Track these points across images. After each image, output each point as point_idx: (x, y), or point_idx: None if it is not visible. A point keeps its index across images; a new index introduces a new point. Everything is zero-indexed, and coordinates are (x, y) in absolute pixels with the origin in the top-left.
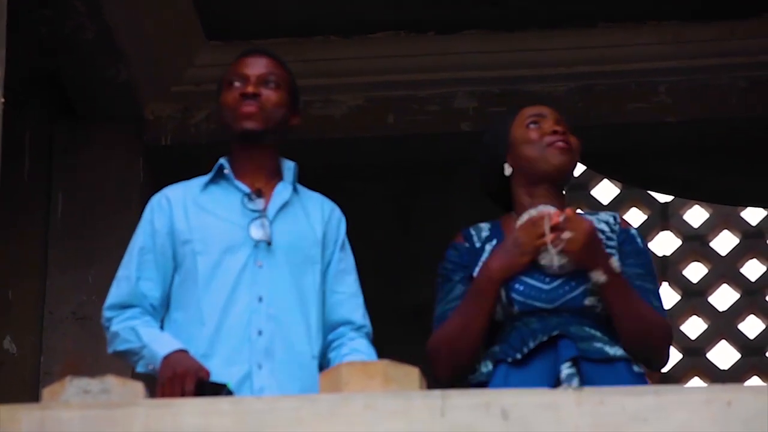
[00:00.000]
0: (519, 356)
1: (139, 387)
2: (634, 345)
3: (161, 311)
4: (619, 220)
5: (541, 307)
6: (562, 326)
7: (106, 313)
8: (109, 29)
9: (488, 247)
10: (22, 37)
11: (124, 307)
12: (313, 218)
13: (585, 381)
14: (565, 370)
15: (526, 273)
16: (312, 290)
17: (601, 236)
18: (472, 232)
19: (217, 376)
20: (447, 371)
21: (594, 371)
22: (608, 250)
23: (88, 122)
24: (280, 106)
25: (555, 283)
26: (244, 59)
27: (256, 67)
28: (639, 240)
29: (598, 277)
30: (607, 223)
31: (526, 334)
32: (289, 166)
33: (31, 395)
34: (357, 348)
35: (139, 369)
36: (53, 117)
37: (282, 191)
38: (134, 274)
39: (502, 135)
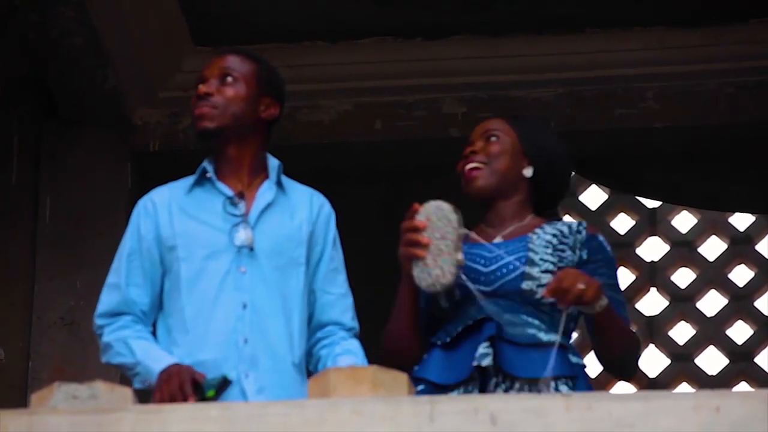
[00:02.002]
0: (448, 339)
1: (127, 393)
2: (613, 361)
3: (152, 315)
4: (584, 227)
5: (480, 289)
6: (497, 313)
7: (98, 321)
8: (97, 34)
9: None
10: (9, 42)
11: (114, 314)
12: (299, 217)
13: (505, 363)
14: (481, 349)
15: (468, 257)
16: (296, 294)
17: (548, 244)
18: None
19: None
20: (396, 361)
21: (517, 355)
22: (559, 254)
23: (76, 128)
24: (236, 100)
25: (493, 266)
26: (209, 62)
27: (215, 66)
28: (608, 248)
29: (589, 311)
30: (561, 232)
31: (460, 320)
32: (273, 165)
33: (19, 401)
34: (350, 349)
35: (136, 385)
36: (41, 122)
37: (265, 192)
38: (123, 281)
39: None
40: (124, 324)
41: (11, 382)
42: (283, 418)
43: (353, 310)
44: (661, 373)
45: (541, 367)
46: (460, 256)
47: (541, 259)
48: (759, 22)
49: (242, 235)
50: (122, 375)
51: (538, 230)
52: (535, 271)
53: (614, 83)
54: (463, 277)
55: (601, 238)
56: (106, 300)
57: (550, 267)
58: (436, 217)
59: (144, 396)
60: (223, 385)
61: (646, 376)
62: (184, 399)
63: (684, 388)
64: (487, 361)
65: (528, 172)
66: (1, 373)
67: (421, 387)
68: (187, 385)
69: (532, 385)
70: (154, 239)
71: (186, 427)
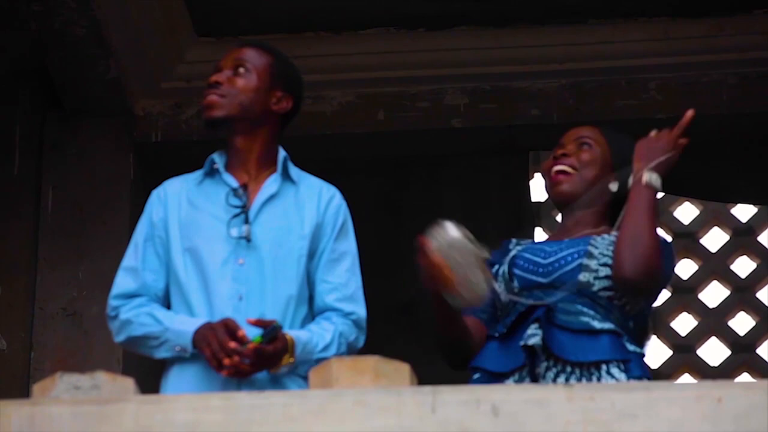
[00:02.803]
0: (504, 330)
1: (129, 383)
2: (626, 255)
3: (165, 301)
4: None
5: (538, 281)
6: (553, 302)
7: (113, 302)
8: (99, 25)
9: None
10: (11, 32)
11: (130, 296)
12: (306, 209)
13: (555, 347)
14: (530, 330)
15: (526, 249)
16: (293, 287)
17: (611, 243)
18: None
19: (210, 371)
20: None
21: (569, 339)
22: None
23: (79, 118)
24: (246, 91)
25: (551, 258)
26: (226, 52)
27: (229, 57)
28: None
29: (611, 186)
30: None
31: (514, 310)
32: (280, 157)
33: (21, 391)
34: (310, 327)
35: (161, 354)
36: (43, 113)
37: (270, 184)
38: (139, 264)
39: None
40: (141, 303)
41: (13, 372)
42: (285, 408)
43: (357, 297)
44: (663, 364)
45: (592, 352)
46: (488, 273)
47: (601, 254)
48: (763, 13)
49: (240, 227)
50: (124, 366)
51: (605, 234)
52: (593, 264)
53: (617, 74)
54: (498, 287)
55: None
56: (122, 282)
57: (609, 261)
58: (454, 251)
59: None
60: (272, 332)
61: (649, 367)
62: (227, 354)
63: (686, 379)
64: (534, 340)
65: (614, 186)
66: (4, 363)
67: (477, 375)
68: (225, 339)
69: (583, 369)
70: (163, 228)
71: (188, 417)
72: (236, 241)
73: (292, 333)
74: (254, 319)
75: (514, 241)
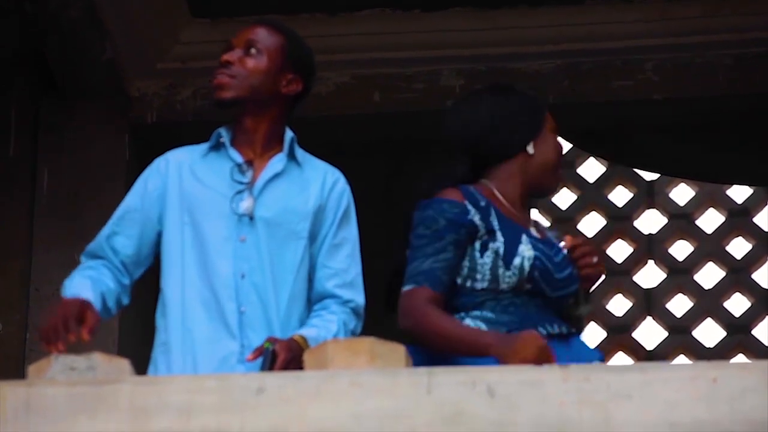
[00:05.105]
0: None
1: (125, 364)
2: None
3: (132, 270)
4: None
5: (545, 293)
6: (541, 310)
7: (81, 259)
8: (95, 6)
9: (492, 220)
10: (6, 14)
11: (94, 257)
12: (310, 191)
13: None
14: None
15: (541, 254)
16: (291, 267)
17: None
18: (472, 191)
19: (209, 348)
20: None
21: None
22: None
23: (74, 100)
24: (256, 73)
25: (562, 275)
26: (239, 30)
27: (242, 36)
28: None
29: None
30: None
31: (532, 317)
32: (287, 138)
33: (17, 372)
34: (315, 324)
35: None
36: (39, 95)
37: (276, 163)
38: (111, 229)
39: (537, 119)
40: (91, 265)
41: (9, 353)
42: (280, 390)
43: (355, 283)
44: (658, 345)
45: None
46: None
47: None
48: None
49: (244, 204)
50: (120, 347)
51: (549, 235)
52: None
53: (613, 55)
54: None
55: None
56: (92, 242)
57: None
58: None
59: (136, 357)
60: (268, 357)
61: (644, 348)
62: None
63: (682, 360)
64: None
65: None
66: None
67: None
68: (70, 322)
69: None
70: (158, 197)
71: (183, 398)
72: (238, 218)
73: (302, 332)
74: (251, 356)
75: (474, 194)
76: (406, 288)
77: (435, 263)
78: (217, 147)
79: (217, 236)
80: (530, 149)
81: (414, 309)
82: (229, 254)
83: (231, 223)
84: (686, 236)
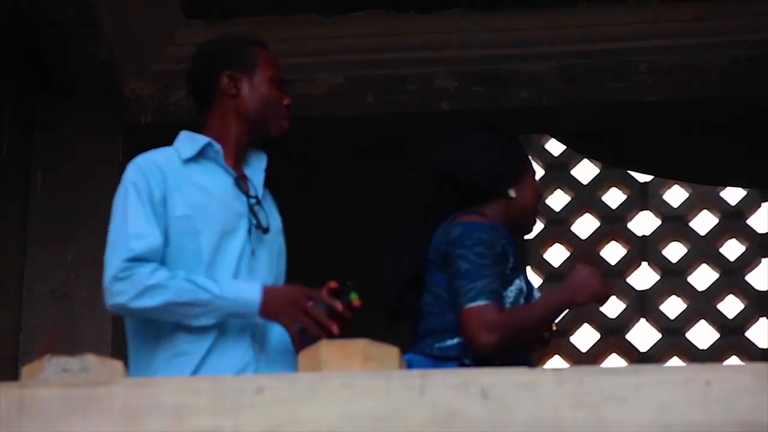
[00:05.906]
0: None
1: (118, 365)
2: None
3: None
4: None
5: None
6: None
7: (123, 265)
8: (90, 6)
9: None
10: (1, 13)
11: (142, 260)
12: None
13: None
14: None
15: (527, 283)
16: (280, 281)
17: None
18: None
19: (224, 358)
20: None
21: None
22: None
23: (68, 99)
24: None
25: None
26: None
27: (280, 69)
28: None
29: None
30: None
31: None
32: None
33: (10, 373)
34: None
35: (201, 322)
36: (33, 94)
37: (259, 179)
38: (151, 229)
39: (520, 166)
40: (156, 268)
41: (2, 354)
42: (274, 392)
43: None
44: (652, 347)
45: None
46: None
47: None
48: None
49: (262, 217)
50: (113, 348)
51: None
52: None
53: (607, 57)
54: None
55: None
56: (136, 245)
57: None
58: None
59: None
60: (349, 289)
61: (638, 350)
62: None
63: (675, 362)
64: None
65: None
66: None
67: None
68: (333, 303)
69: None
70: (160, 202)
71: (176, 399)
72: (247, 232)
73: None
74: (331, 286)
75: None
76: (481, 303)
77: (497, 284)
78: (197, 157)
79: (233, 249)
80: (512, 193)
81: (498, 321)
82: (245, 269)
83: (243, 238)
84: (680, 238)
